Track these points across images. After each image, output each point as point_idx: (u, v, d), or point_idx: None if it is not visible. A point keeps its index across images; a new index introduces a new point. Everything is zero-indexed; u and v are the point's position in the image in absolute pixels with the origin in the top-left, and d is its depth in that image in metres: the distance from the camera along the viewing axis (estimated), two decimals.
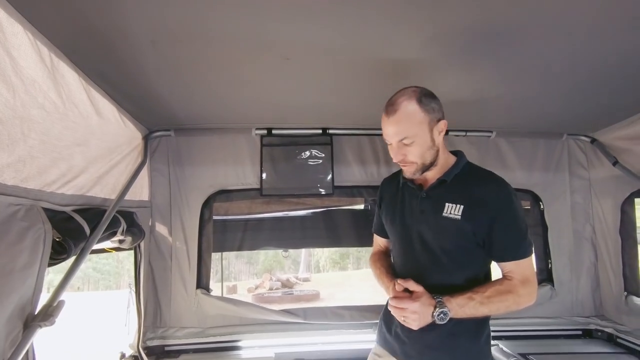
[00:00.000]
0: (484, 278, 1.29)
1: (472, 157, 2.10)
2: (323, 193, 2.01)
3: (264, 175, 1.98)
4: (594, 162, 2.15)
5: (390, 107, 1.19)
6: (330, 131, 2.00)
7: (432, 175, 1.30)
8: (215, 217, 2.06)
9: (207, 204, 2.01)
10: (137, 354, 1.77)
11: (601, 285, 2.16)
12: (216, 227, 2.06)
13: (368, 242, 2.21)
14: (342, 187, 2.07)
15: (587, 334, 2.16)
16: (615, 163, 1.94)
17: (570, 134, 2.14)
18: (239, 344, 1.99)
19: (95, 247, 2.85)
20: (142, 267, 1.82)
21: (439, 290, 1.22)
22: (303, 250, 29.02)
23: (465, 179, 1.26)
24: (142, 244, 1.78)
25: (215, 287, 2.06)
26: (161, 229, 1.94)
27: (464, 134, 2.06)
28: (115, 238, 1.47)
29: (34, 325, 0.93)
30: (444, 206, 1.24)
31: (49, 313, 0.98)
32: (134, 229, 1.58)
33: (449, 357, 1.27)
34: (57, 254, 1.09)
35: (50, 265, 1.05)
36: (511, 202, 1.19)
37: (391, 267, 1.48)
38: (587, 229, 2.19)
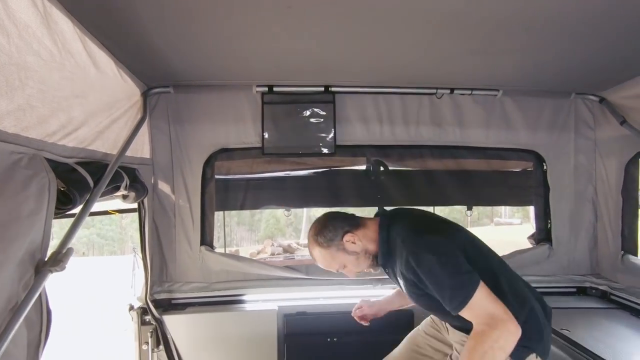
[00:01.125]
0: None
1: (478, 116, 2.12)
2: (325, 152, 2.00)
3: (265, 134, 1.96)
4: (601, 121, 2.12)
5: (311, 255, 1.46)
6: (333, 89, 1.96)
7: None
8: (217, 176, 2.07)
9: (209, 163, 2.01)
10: (145, 305, 1.84)
11: (599, 244, 2.20)
12: (218, 186, 2.07)
13: (369, 202, 2.24)
14: (344, 146, 2.05)
15: (582, 292, 2.22)
16: (623, 122, 1.90)
17: (578, 93, 2.10)
18: (243, 297, 2.06)
19: (100, 206, 2.88)
20: (147, 224, 1.85)
21: (454, 324, 1.43)
22: (304, 218, 29.44)
23: (393, 254, 1.36)
24: (145, 201, 1.80)
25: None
26: (164, 186, 1.96)
27: (469, 92, 2.01)
28: (119, 193, 1.48)
29: (45, 271, 0.96)
30: (398, 278, 1.41)
31: (59, 259, 1.00)
32: (137, 185, 1.59)
33: None
34: (63, 204, 1.11)
35: (57, 214, 1.07)
36: (421, 269, 1.21)
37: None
38: (589, 190, 2.20)
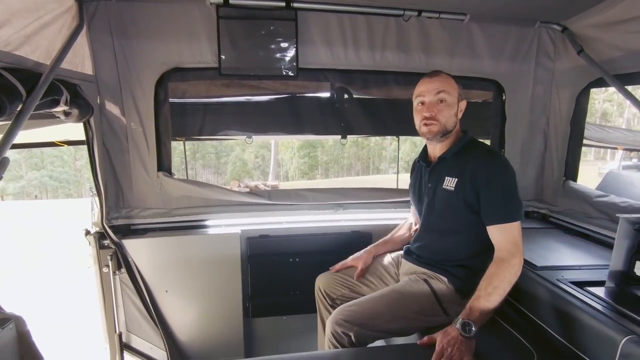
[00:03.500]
0: (486, 241, 1.40)
1: (443, 43, 2.08)
2: (287, 75, 1.91)
3: (222, 52, 1.83)
4: (561, 52, 2.15)
5: (433, 72, 1.47)
6: (295, 5, 1.82)
7: (438, 152, 1.53)
8: (172, 100, 1.94)
9: (161, 83, 1.86)
10: (102, 230, 1.80)
11: (545, 172, 2.35)
12: (174, 110, 1.96)
13: (332, 131, 2.22)
14: (307, 69, 1.97)
15: (525, 215, 2.42)
16: (580, 52, 1.94)
17: (543, 22, 2.09)
18: (205, 223, 2.06)
19: (46, 135, 2.64)
20: (96, 146, 1.74)
21: (445, 250, 1.51)
22: (272, 160, 29.34)
23: (463, 155, 1.45)
24: (92, 122, 1.68)
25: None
26: (112, 107, 1.81)
27: (437, 15, 1.95)
28: (59, 108, 1.35)
29: None
30: (444, 179, 1.48)
31: None
32: (80, 101, 1.46)
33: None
34: None
35: None
36: (498, 174, 1.36)
37: (396, 240, 1.83)
38: (542, 120, 2.29)
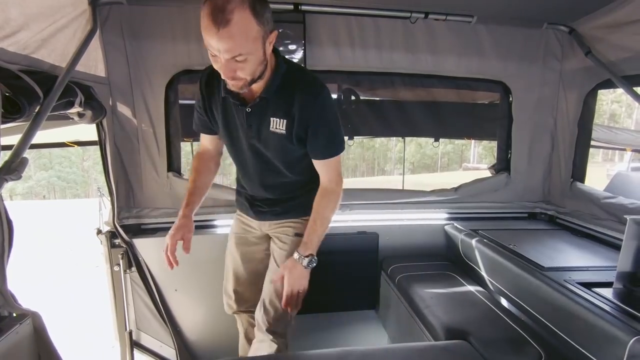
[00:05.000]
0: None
1: (450, 44, 2.09)
2: None
3: None
4: (568, 53, 2.15)
5: (221, 15, 0.97)
6: (303, 7, 1.85)
7: (255, 89, 1.26)
8: (182, 102, 1.97)
9: (172, 85, 1.89)
10: (113, 229, 1.84)
11: (552, 173, 2.35)
12: (184, 112, 1.99)
13: None
14: (314, 71, 1.98)
15: (532, 216, 2.42)
16: (588, 53, 1.94)
17: (550, 23, 2.09)
18: (215, 222, 2.09)
19: (57, 136, 2.67)
20: (108, 147, 1.78)
21: (279, 188, 1.46)
22: None
23: (286, 90, 1.25)
24: (104, 123, 1.71)
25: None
26: (123, 109, 1.85)
27: (444, 17, 1.96)
28: (74, 110, 1.39)
29: (0, 179, 0.93)
30: (270, 121, 1.29)
31: (13, 168, 0.97)
32: (93, 103, 1.50)
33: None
34: (10, 113, 1.04)
35: (4, 122, 1.01)
36: (323, 112, 1.26)
37: (202, 186, 1.50)
38: (549, 121, 2.28)
